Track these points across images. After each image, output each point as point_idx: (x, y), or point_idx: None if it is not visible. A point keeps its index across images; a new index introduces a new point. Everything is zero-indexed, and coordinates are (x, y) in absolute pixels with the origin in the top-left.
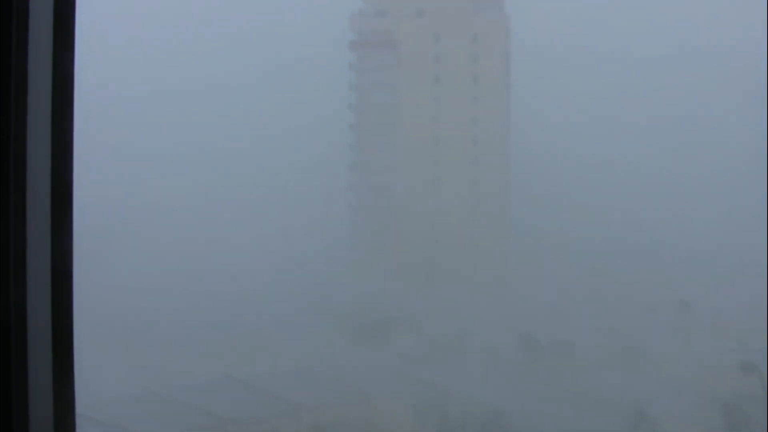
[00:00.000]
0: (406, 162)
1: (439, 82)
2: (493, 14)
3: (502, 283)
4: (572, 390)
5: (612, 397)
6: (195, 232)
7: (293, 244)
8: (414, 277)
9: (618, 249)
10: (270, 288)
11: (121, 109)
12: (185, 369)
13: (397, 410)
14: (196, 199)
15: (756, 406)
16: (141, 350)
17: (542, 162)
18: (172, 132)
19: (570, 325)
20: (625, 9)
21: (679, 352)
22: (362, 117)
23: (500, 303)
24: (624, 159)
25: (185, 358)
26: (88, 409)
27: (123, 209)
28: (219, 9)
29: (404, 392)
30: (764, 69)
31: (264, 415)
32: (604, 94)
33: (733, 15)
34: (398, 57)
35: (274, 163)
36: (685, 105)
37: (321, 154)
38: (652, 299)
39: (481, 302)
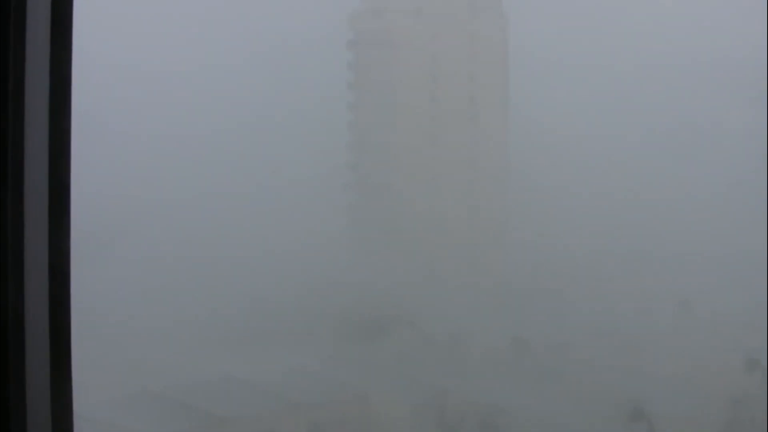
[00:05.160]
0: (404, 161)
1: (436, 81)
2: (490, 14)
3: (500, 282)
4: (571, 389)
5: (611, 396)
6: (193, 231)
7: (291, 243)
8: (412, 277)
9: (618, 248)
10: (268, 287)
11: (119, 108)
12: (183, 368)
13: (395, 409)
14: (194, 198)
15: (756, 405)
16: (139, 349)
17: (540, 161)
18: (169, 131)
19: (569, 324)
20: (624, 9)
21: (678, 351)
22: (360, 116)
23: (499, 301)
24: (623, 158)
25: (184, 357)
26: (85, 409)
27: (121, 208)
28: (217, 9)
29: (402, 391)
30: (764, 69)
31: (262, 414)
32: (603, 93)
33: (733, 15)
34: (396, 56)
35: (272, 162)
36: (685, 104)
37: (319, 153)
38: (652, 299)
39: (479, 301)
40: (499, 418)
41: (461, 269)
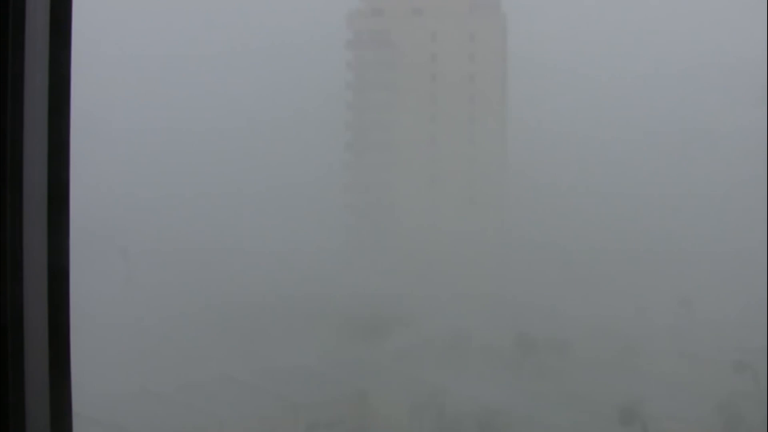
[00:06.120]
0: (402, 161)
1: (435, 81)
2: (490, 13)
3: (499, 281)
4: (569, 389)
5: (609, 396)
6: (192, 231)
7: (289, 242)
8: (410, 276)
9: (617, 248)
10: (266, 286)
11: (118, 108)
12: (183, 368)
13: (394, 408)
14: (193, 197)
15: (755, 406)
16: (138, 349)
17: (540, 161)
18: (167, 131)
19: (567, 324)
20: (624, 8)
21: (677, 350)
22: (359, 116)
23: (498, 301)
24: (622, 158)
25: (183, 357)
26: (85, 409)
27: (119, 208)
28: (215, 8)
29: (401, 390)
30: (764, 69)
31: (262, 414)
32: (603, 93)
33: (733, 15)
34: (395, 56)
35: (270, 161)
36: (685, 104)
37: (317, 152)
38: (651, 297)
39: (478, 300)
40: (498, 418)
41: (460, 269)
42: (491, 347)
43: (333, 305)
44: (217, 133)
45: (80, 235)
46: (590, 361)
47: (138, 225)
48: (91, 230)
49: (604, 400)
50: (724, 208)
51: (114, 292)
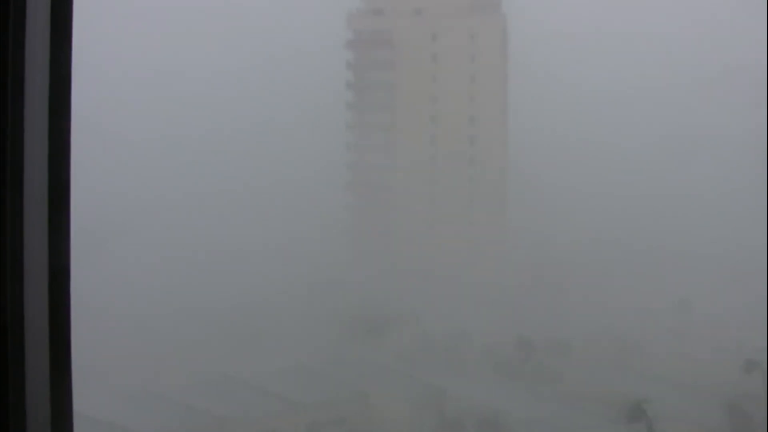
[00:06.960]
0: (403, 161)
1: (436, 81)
2: (490, 13)
3: (500, 281)
4: (570, 388)
5: (609, 396)
6: (192, 231)
7: (291, 242)
8: (412, 276)
9: (617, 248)
10: (267, 287)
11: (118, 107)
12: (184, 368)
13: (394, 408)
14: (193, 197)
15: (756, 405)
16: (138, 349)
17: (540, 161)
18: (168, 130)
19: (568, 324)
20: (624, 9)
21: (677, 350)
22: (360, 115)
23: (499, 301)
24: (623, 158)
25: (183, 357)
26: (85, 409)
27: (120, 207)
28: (216, 8)
29: (401, 391)
30: (764, 69)
31: (261, 413)
32: (602, 93)
33: (733, 17)
34: (396, 56)
35: (271, 161)
36: (685, 104)
37: (319, 152)
38: (651, 298)
39: (479, 301)
40: (499, 418)
41: (461, 269)
42: (492, 348)
43: (334, 305)
44: (217, 133)
45: (80, 235)
46: (591, 361)
47: (139, 225)
48: (91, 230)
49: (606, 400)
50: (725, 209)
51: (114, 292)
